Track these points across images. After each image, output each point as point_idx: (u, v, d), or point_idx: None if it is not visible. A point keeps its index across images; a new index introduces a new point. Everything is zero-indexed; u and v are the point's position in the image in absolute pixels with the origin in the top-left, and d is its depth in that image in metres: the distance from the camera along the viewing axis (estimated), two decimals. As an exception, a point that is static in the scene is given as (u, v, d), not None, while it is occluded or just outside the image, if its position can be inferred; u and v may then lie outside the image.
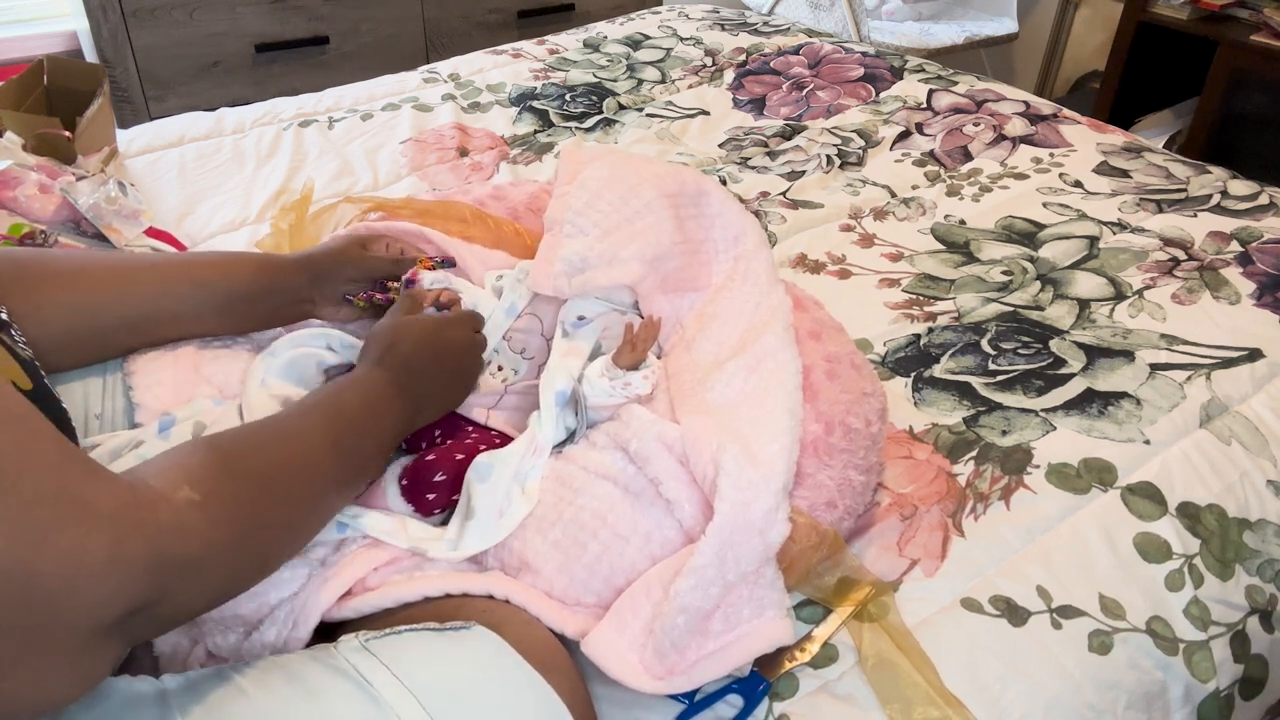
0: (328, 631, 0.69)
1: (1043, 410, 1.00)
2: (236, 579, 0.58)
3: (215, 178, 1.45)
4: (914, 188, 1.46)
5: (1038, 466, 0.93)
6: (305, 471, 0.64)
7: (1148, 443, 0.96)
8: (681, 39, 2.03)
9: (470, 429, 0.86)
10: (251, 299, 0.85)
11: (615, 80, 1.82)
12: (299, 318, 0.89)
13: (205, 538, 0.52)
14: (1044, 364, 1.07)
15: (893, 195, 1.44)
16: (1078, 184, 1.46)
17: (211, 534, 0.52)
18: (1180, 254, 1.27)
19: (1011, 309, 1.16)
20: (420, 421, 0.79)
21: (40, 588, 0.43)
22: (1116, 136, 1.61)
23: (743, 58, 1.93)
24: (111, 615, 0.47)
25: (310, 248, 0.92)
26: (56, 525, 0.44)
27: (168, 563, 0.49)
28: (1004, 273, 1.24)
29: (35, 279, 0.74)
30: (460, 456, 0.79)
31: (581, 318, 0.91)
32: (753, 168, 1.51)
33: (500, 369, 0.91)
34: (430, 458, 0.80)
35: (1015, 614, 0.80)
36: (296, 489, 0.63)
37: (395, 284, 0.91)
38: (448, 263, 0.96)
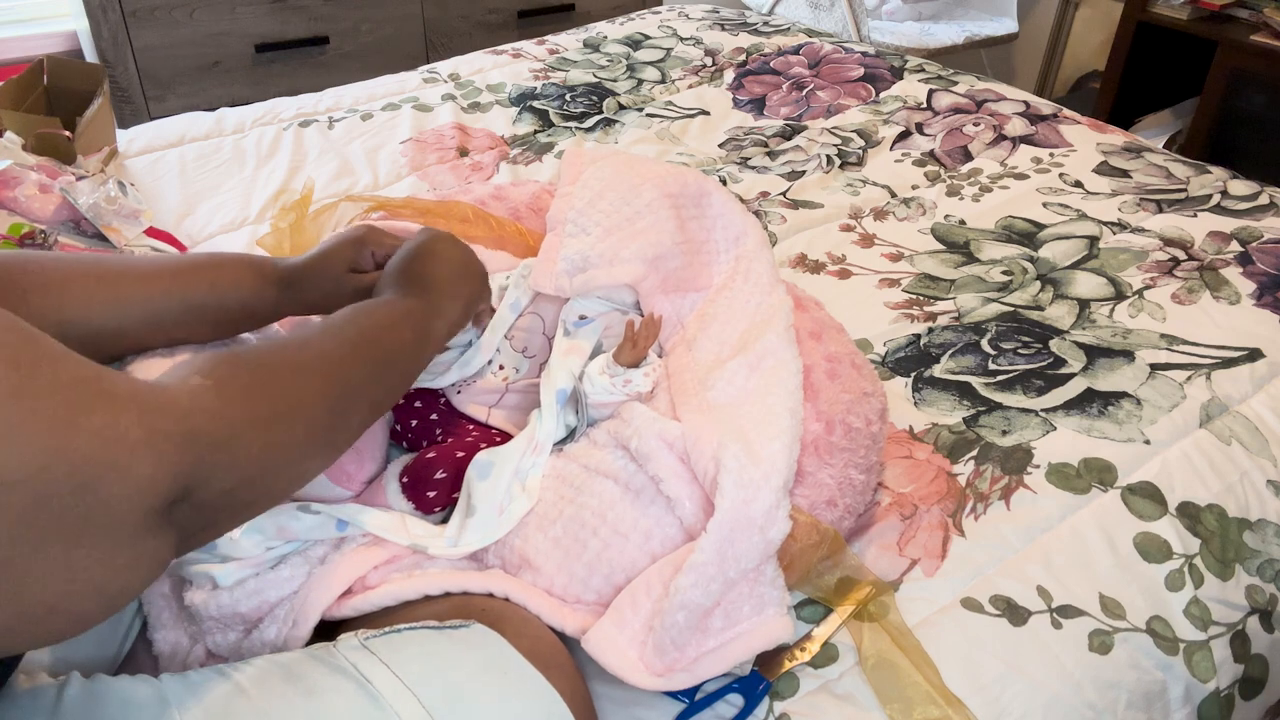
0: (327, 630, 0.69)
1: (1043, 410, 1.00)
2: (267, 460, 0.56)
3: (215, 178, 1.45)
4: (914, 188, 1.46)
5: (1038, 466, 0.93)
6: (320, 362, 0.63)
7: (1148, 443, 0.96)
8: (681, 39, 2.03)
9: (471, 427, 0.86)
10: (231, 310, 0.82)
11: (615, 80, 1.82)
12: (281, 313, 0.86)
13: (225, 416, 0.52)
14: (1044, 364, 1.07)
15: (893, 195, 1.44)
16: (1078, 184, 1.46)
17: (229, 412, 0.53)
18: (1180, 254, 1.27)
19: (1011, 309, 1.16)
20: (444, 316, 0.77)
21: (83, 471, 0.43)
22: (1116, 136, 1.61)
23: (743, 58, 1.93)
24: (158, 493, 0.47)
25: (302, 255, 0.91)
26: (84, 408, 0.44)
27: (198, 439, 0.50)
28: (1004, 273, 1.24)
29: (18, 287, 0.73)
30: (461, 454, 0.80)
31: (583, 317, 0.92)
32: (753, 168, 1.51)
33: (501, 368, 0.91)
34: (431, 455, 0.80)
35: (1015, 614, 0.80)
36: (313, 369, 0.62)
37: None
38: None
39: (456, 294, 0.80)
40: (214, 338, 0.84)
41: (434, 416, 0.86)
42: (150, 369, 0.80)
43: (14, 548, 0.42)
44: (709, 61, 1.92)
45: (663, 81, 1.83)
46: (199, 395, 0.52)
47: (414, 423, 0.86)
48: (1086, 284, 1.21)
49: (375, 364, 0.69)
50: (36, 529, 0.42)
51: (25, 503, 0.42)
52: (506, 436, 0.85)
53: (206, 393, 0.52)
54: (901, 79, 1.82)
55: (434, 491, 0.78)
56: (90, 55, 2.20)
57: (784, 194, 1.43)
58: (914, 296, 1.20)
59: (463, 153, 1.53)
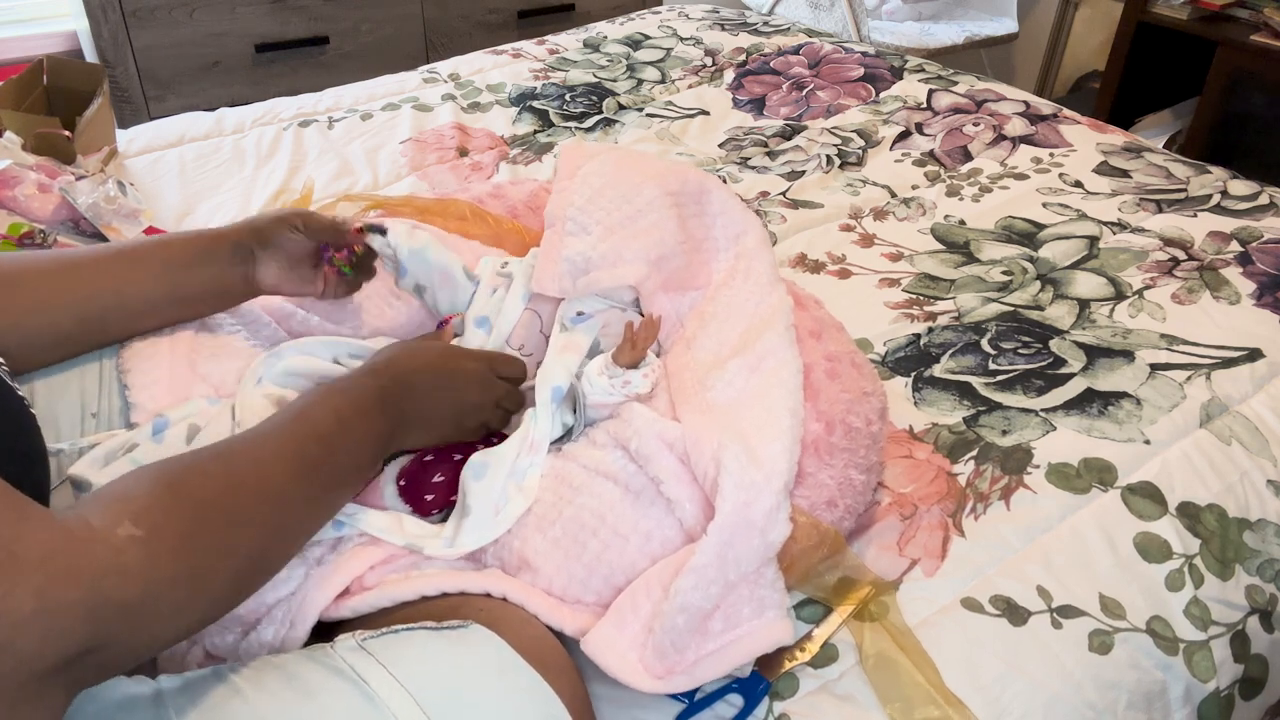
0: (325, 631, 0.69)
1: (1043, 410, 1.00)
2: (190, 614, 0.54)
3: (215, 177, 1.45)
4: (914, 188, 1.46)
5: (1038, 466, 0.93)
6: (263, 495, 0.59)
7: (1148, 443, 0.96)
8: (681, 39, 2.03)
9: (468, 427, 0.86)
10: (189, 264, 0.81)
11: (615, 80, 1.82)
12: (246, 284, 0.85)
13: (146, 577, 0.49)
14: (1044, 364, 1.06)
15: (893, 195, 1.44)
16: (1078, 184, 1.46)
17: (153, 573, 0.50)
18: (1180, 254, 1.27)
19: (1011, 309, 1.16)
20: (403, 444, 0.75)
21: None
22: (1116, 136, 1.61)
23: (743, 58, 1.93)
24: (46, 664, 0.45)
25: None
26: None
27: (105, 607, 0.47)
28: (1004, 273, 1.24)
29: None
30: (458, 457, 0.79)
31: (580, 313, 0.91)
32: (753, 168, 1.51)
33: None
34: (428, 458, 0.79)
35: (1015, 614, 0.80)
36: (253, 513, 0.58)
37: (339, 254, 0.88)
38: (377, 229, 0.92)
39: (437, 429, 0.78)
40: (186, 311, 0.84)
41: None
42: (148, 365, 0.80)
43: None
44: (709, 61, 1.92)
45: (663, 81, 1.83)
46: (123, 551, 0.49)
47: None
48: (1086, 284, 1.21)
49: (327, 488, 0.66)
50: None
51: None
52: (503, 436, 0.84)
53: (133, 547, 0.49)
54: (901, 79, 1.81)
55: (431, 495, 0.78)
56: (90, 55, 2.20)
57: (784, 194, 1.43)
58: (914, 296, 1.20)
59: (462, 153, 1.53)
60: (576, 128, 1.64)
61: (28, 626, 0.44)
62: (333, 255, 0.88)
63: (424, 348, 0.79)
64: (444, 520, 0.78)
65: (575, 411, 0.85)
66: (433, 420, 0.77)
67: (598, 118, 1.68)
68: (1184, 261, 1.25)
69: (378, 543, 0.74)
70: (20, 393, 0.65)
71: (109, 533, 0.49)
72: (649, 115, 1.68)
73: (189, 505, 0.54)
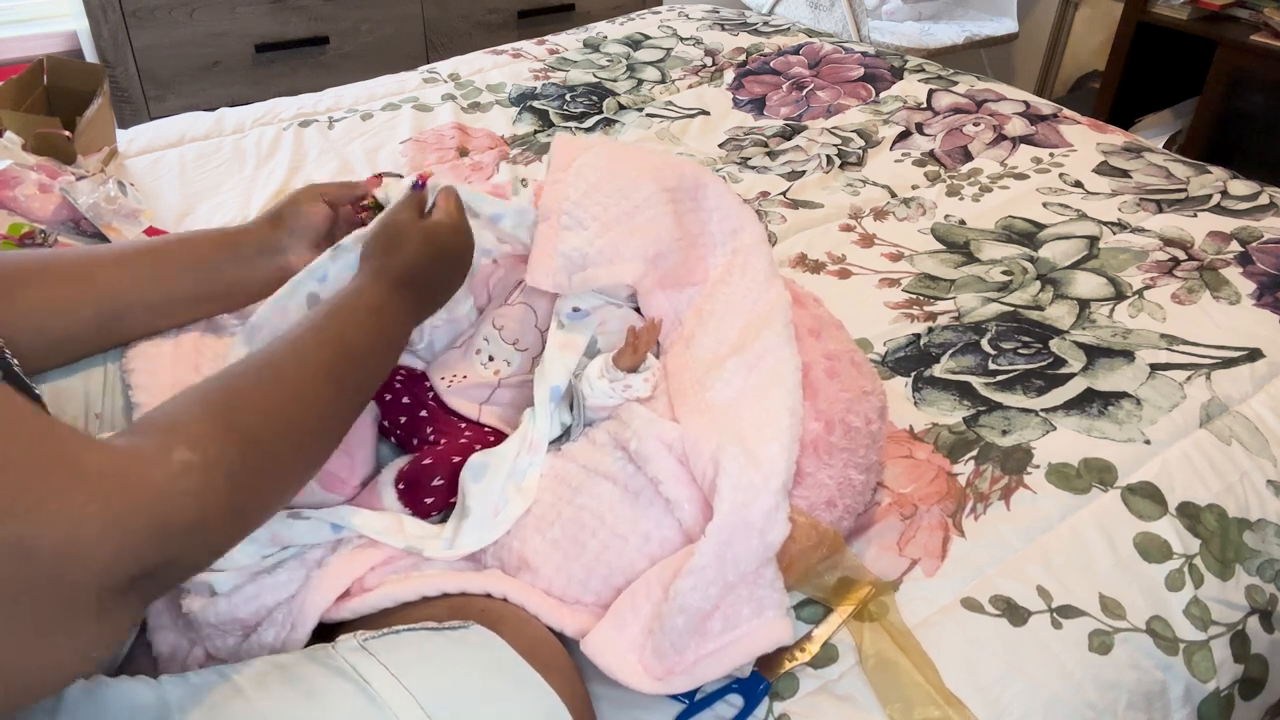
0: (326, 633, 0.69)
1: (1043, 410, 1.00)
2: (242, 529, 0.58)
3: (215, 177, 1.45)
4: (914, 188, 1.46)
5: (1038, 466, 0.93)
6: (305, 411, 0.63)
7: (1148, 443, 0.96)
8: (681, 39, 2.03)
9: (464, 427, 0.85)
10: (216, 265, 0.83)
11: (615, 80, 1.82)
12: (274, 271, 0.86)
13: (205, 500, 0.52)
14: (1044, 364, 1.06)
15: (893, 195, 1.44)
16: (1078, 184, 1.46)
17: (212, 496, 0.52)
18: (1180, 254, 1.27)
19: (1011, 309, 1.16)
20: (422, 317, 0.80)
21: (43, 554, 0.44)
22: (1116, 136, 1.61)
23: (743, 58, 1.93)
24: (118, 579, 0.47)
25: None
26: (52, 492, 0.45)
27: (170, 527, 0.49)
28: (1004, 273, 1.24)
29: (2, 281, 0.73)
30: (457, 459, 0.79)
31: (577, 309, 0.90)
32: (753, 168, 1.51)
33: (491, 359, 0.90)
34: (427, 461, 0.79)
35: (1015, 614, 0.80)
36: (297, 433, 0.62)
37: (364, 212, 0.91)
38: (393, 174, 0.94)
39: (445, 297, 0.82)
40: (207, 309, 0.85)
41: (423, 413, 0.86)
42: (152, 365, 0.80)
43: None
44: (709, 61, 1.92)
45: (663, 81, 1.83)
46: (180, 476, 0.51)
47: (403, 419, 0.86)
48: (1086, 284, 1.21)
49: (358, 395, 0.70)
50: None
51: None
52: (500, 435, 0.84)
53: (190, 473, 0.51)
54: (901, 79, 1.81)
55: (431, 498, 0.78)
56: (90, 55, 2.20)
57: (784, 194, 1.43)
58: (914, 296, 1.20)
59: (463, 153, 1.53)
60: (576, 128, 1.64)
61: (102, 539, 0.46)
62: (361, 215, 0.90)
63: (403, 230, 0.79)
64: (444, 522, 0.78)
65: (573, 410, 0.85)
66: (438, 292, 0.82)
67: (598, 118, 1.68)
68: (1184, 261, 1.25)
69: (378, 544, 0.74)
70: (37, 392, 0.65)
71: (165, 457, 0.51)
72: (649, 115, 1.68)
73: (237, 429, 0.57)
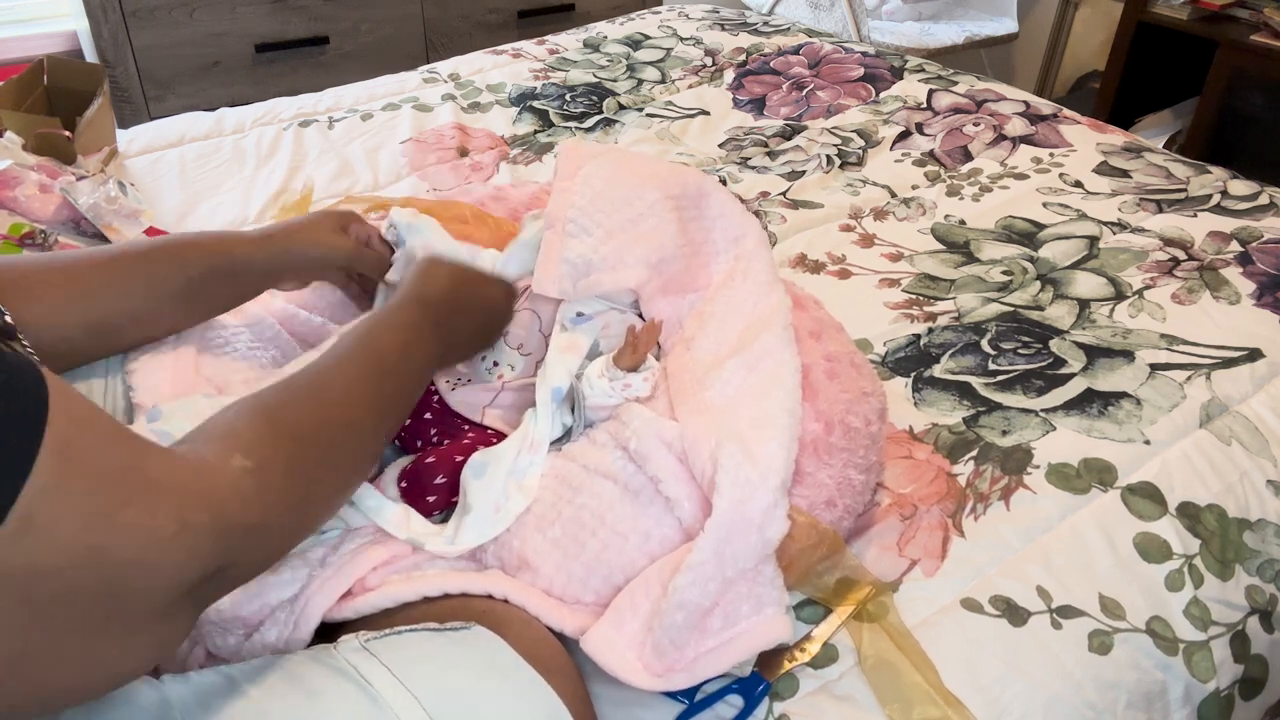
0: (327, 632, 0.69)
1: (1043, 410, 1.00)
2: (295, 535, 0.61)
3: (215, 178, 1.45)
4: (914, 188, 1.46)
5: (1038, 466, 0.93)
6: (347, 426, 0.65)
7: (1148, 443, 0.96)
8: (681, 39, 2.03)
9: (467, 428, 0.86)
10: (207, 281, 0.83)
11: (615, 80, 1.82)
12: (261, 290, 0.88)
13: (263, 503, 0.54)
14: (1044, 364, 1.07)
15: (893, 195, 1.44)
16: (1078, 184, 1.46)
17: (268, 498, 0.54)
18: (1180, 254, 1.27)
19: (1011, 309, 1.16)
20: (450, 362, 0.83)
21: (113, 563, 0.45)
22: (1116, 136, 1.61)
23: (743, 58, 1.93)
24: (185, 583, 0.48)
25: (281, 222, 0.91)
26: (123, 501, 0.45)
27: (232, 529, 0.51)
28: (1004, 273, 1.24)
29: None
30: (459, 458, 0.79)
31: (580, 314, 0.91)
32: (753, 168, 1.51)
33: (496, 364, 0.91)
34: (429, 460, 0.80)
35: (1015, 614, 0.80)
36: (340, 445, 0.64)
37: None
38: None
39: (476, 344, 0.86)
40: (194, 319, 0.85)
41: (428, 415, 0.86)
42: (152, 366, 0.80)
43: (32, 637, 0.43)
44: (709, 61, 1.92)
45: (663, 81, 1.83)
46: (239, 481, 0.53)
47: (407, 421, 0.86)
48: (1086, 284, 1.21)
49: (394, 415, 0.72)
50: (59, 620, 0.43)
51: (51, 594, 0.43)
52: (503, 437, 0.84)
53: (247, 478, 0.53)
54: (901, 79, 1.82)
55: (433, 496, 0.78)
56: (90, 55, 2.20)
57: (784, 194, 1.43)
58: (914, 296, 1.20)
59: (463, 153, 1.53)
60: (576, 128, 1.64)
61: (170, 547, 0.47)
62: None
63: (448, 266, 0.83)
64: (446, 521, 0.79)
65: (573, 411, 0.85)
66: (473, 336, 0.85)
67: (598, 118, 1.68)
68: (1184, 261, 1.25)
69: (380, 544, 0.74)
70: None
71: (224, 464, 0.53)
72: (649, 115, 1.68)
73: (288, 439, 0.59)
